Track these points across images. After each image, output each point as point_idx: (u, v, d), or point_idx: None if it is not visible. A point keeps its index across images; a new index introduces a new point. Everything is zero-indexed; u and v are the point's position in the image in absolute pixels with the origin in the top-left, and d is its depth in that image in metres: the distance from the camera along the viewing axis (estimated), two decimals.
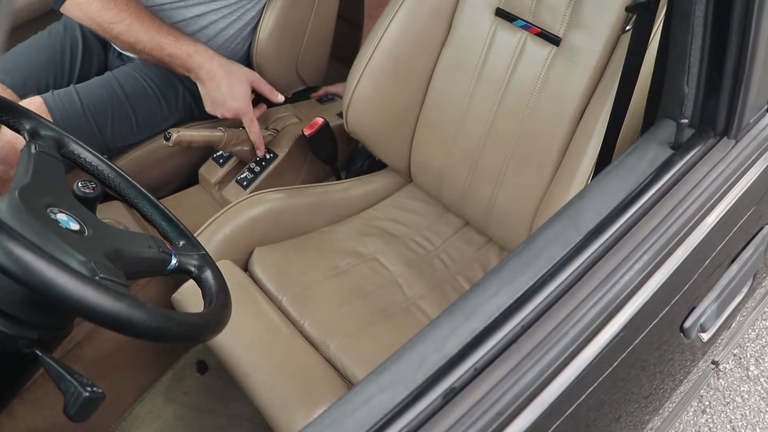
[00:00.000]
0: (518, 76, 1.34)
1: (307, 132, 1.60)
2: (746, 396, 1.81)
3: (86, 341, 1.30)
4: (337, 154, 1.69)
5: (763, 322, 1.97)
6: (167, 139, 1.46)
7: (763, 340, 1.93)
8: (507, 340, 0.68)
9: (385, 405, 0.63)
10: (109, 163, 1.00)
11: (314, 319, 1.32)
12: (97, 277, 0.73)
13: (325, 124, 1.61)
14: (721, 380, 1.83)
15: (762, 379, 1.84)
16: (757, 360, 1.88)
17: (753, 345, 1.92)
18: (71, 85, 1.52)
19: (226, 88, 1.53)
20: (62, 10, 1.47)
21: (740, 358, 1.89)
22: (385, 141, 1.55)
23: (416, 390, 0.64)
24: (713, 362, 1.29)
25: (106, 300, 0.68)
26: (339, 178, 1.74)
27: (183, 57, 1.50)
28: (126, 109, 1.55)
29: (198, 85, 1.55)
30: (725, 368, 1.86)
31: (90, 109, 1.50)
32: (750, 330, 1.95)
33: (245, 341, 1.26)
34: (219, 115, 1.57)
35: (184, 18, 1.58)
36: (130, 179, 1.00)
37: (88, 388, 0.70)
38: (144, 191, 1.00)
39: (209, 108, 1.57)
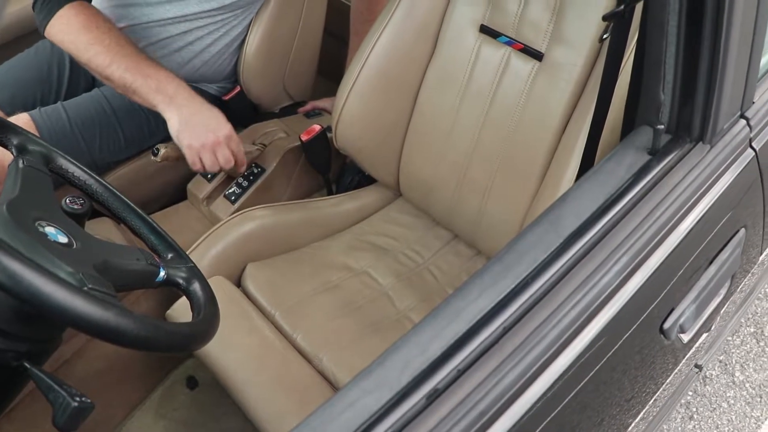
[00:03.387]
0: (503, 91, 1.37)
1: (304, 138, 1.62)
2: (732, 401, 1.82)
3: (75, 358, 1.30)
4: (331, 164, 1.70)
5: (747, 329, 1.99)
6: (155, 155, 1.47)
7: (748, 346, 1.95)
8: (489, 341, 0.69)
9: (370, 407, 0.64)
10: (96, 177, 1.01)
11: (307, 332, 1.33)
12: (85, 288, 0.74)
13: (322, 131, 1.63)
14: (707, 386, 1.85)
15: (747, 385, 1.86)
16: (742, 366, 1.90)
17: (738, 351, 1.93)
18: (59, 102, 1.54)
19: (207, 111, 1.45)
20: (46, 34, 1.48)
21: (726, 365, 1.90)
22: (374, 156, 1.57)
23: (400, 392, 0.65)
24: (696, 366, 1.30)
25: (95, 309, 0.69)
26: (330, 191, 1.75)
27: (161, 78, 1.43)
28: (114, 126, 1.56)
29: (172, 114, 1.42)
30: (711, 375, 1.88)
31: (77, 125, 1.51)
32: (735, 336, 1.97)
33: (238, 355, 1.27)
34: (198, 144, 1.42)
35: (171, 35, 1.59)
36: (118, 193, 1.02)
37: (77, 398, 0.71)
38: (132, 205, 1.02)
39: (188, 138, 1.42)
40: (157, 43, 1.60)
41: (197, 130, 1.42)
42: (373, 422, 0.64)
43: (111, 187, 1.02)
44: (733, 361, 1.91)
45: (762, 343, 1.95)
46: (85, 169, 1.01)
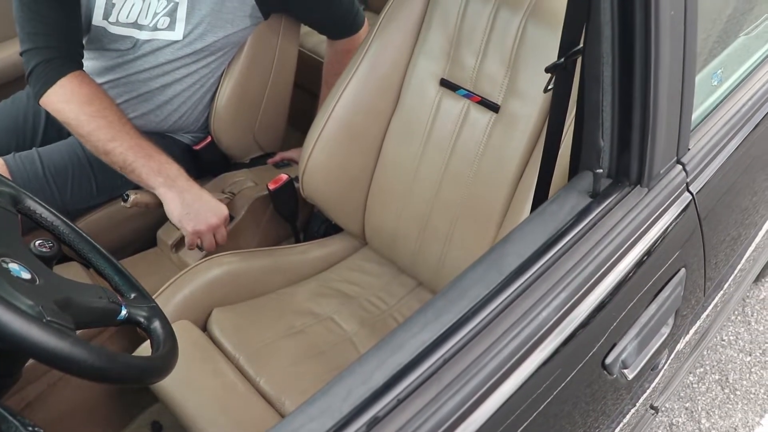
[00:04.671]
0: (462, 142, 1.42)
1: (271, 187, 1.66)
2: None
3: (38, 401, 1.31)
4: (298, 212, 1.74)
5: (712, 376, 2.02)
6: (125, 200, 1.51)
7: (713, 393, 1.98)
8: (429, 372, 0.72)
9: None
10: (62, 218, 1.04)
11: (270, 376, 1.35)
12: (44, 320, 0.76)
13: (289, 181, 1.67)
14: None
15: (713, 431, 1.88)
16: (708, 413, 1.93)
17: (703, 398, 1.96)
18: (34, 148, 1.57)
19: (206, 195, 1.51)
20: (43, 102, 1.49)
21: (692, 412, 1.93)
22: (339, 206, 1.61)
23: (342, 419, 0.68)
24: (652, 407, 1.33)
25: (50, 338, 0.71)
26: (297, 239, 1.78)
27: (163, 161, 1.48)
28: (87, 173, 1.60)
29: (173, 198, 1.47)
30: (678, 422, 1.90)
31: (50, 171, 1.54)
32: (700, 384, 2.00)
33: (202, 397, 1.28)
34: (204, 228, 1.49)
35: (151, 89, 1.64)
36: (84, 233, 1.05)
37: (30, 428, 0.73)
38: (96, 245, 1.05)
39: (193, 223, 1.48)
40: (138, 97, 1.65)
41: (201, 215, 1.49)
42: None
43: (77, 228, 1.05)
44: (699, 408, 1.93)
45: (727, 390, 1.98)
46: (51, 209, 1.04)
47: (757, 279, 2.22)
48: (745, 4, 1.50)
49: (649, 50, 0.87)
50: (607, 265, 0.89)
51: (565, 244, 0.87)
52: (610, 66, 0.89)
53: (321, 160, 1.54)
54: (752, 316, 2.19)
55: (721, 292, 1.48)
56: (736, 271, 1.54)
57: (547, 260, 0.85)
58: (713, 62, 1.23)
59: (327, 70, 1.86)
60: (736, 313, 2.19)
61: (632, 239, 0.92)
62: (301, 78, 1.87)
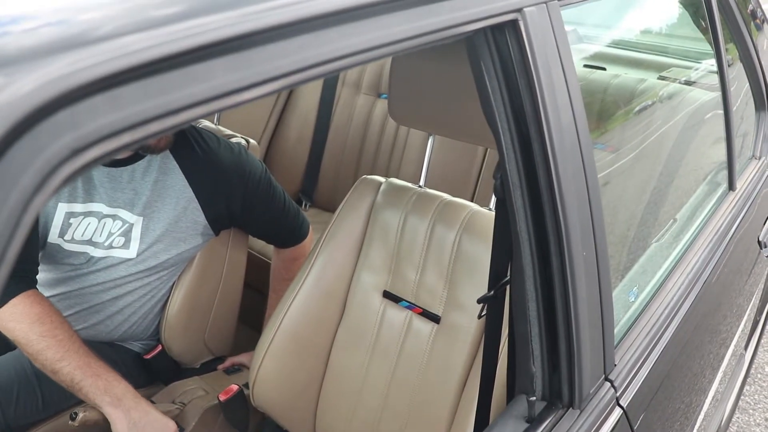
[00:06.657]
0: (407, 351, 1.49)
1: (222, 398, 1.68)
2: None
3: None
4: (249, 421, 1.74)
5: None
6: (73, 419, 1.50)
7: None
8: None
9: None
10: None
11: None
12: None
13: (240, 391, 1.69)
14: None
15: None
16: None
17: None
18: None
19: (153, 412, 1.54)
20: None
21: None
22: (290, 414, 1.63)
23: None
24: None
25: None
26: None
27: (110, 379, 1.51)
28: (32, 386, 1.59)
29: (119, 416, 1.50)
30: None
31: None
32: None
33: None
34: None
35: (102, 301, 1.68)
36: None
37: None
38: None
39: None
40: (89, 309, 1.69)
41: None
42: None
43: None
44: None
45: None
46: None
47: None
48: (651, 213, 1.66)
49: (567, 288, 0.97)
50: None
51: None
52: (534, 302, 0.99)
53: (271, 370, 1.58)
54: None
55: None
56: None
57: None
58: (629, 276, 1.36)
59: (274, 276, 1.94)
60: None
61: None
62: (250, 278, 1.95)
